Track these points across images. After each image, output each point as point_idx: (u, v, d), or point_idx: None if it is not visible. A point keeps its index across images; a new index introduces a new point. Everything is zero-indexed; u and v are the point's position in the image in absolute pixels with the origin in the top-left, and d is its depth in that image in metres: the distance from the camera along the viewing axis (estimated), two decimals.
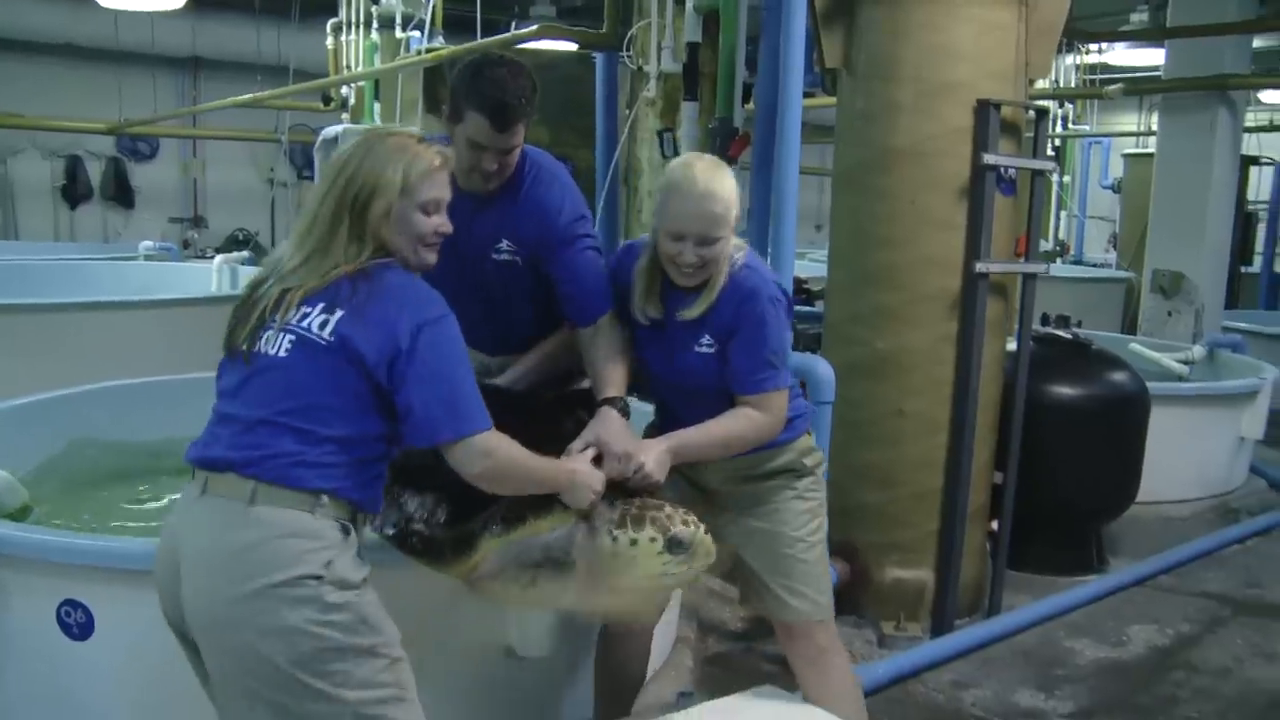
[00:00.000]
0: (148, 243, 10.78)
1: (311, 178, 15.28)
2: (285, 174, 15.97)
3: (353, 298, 2.08)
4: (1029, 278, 4.65)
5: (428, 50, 7.35)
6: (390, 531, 2.47)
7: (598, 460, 2.52)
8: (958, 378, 4.24)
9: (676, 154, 5.80)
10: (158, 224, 15.27)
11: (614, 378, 2.75)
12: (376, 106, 8.50)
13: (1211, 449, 6.52)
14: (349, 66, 8.90)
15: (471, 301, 2.84)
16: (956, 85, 4.21)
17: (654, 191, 2.65)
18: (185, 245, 14.20)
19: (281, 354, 2.07)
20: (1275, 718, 3.91)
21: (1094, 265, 13.31)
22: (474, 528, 2.41)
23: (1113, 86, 9.46)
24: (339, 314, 2.07)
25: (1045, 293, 5.18)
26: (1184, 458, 6.24)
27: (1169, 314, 8.05)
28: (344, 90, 9.32)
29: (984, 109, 4.18)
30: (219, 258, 8.83)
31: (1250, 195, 11.73)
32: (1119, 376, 5.21)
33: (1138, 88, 10.48)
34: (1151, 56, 12.22)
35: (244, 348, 2.12)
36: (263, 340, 2.11)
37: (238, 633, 1.94)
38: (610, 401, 2.67)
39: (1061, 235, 15.56)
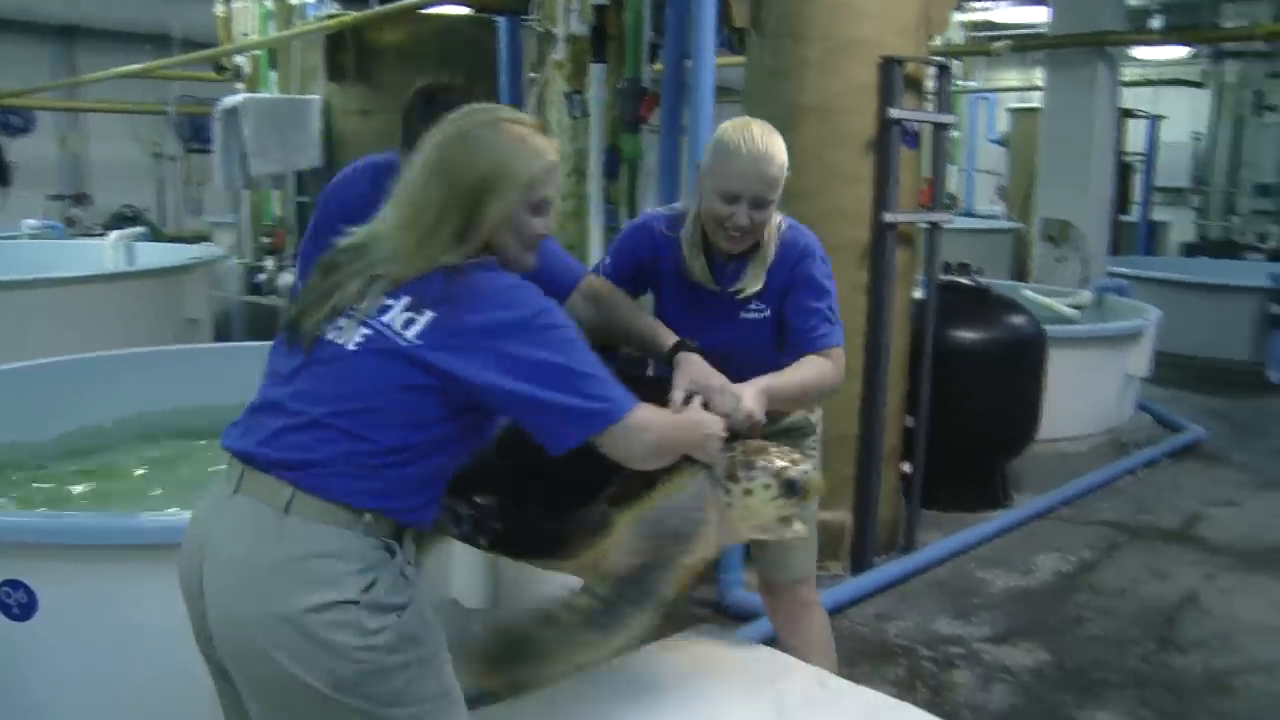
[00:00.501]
0: (31, 221, 10.42)
1: (202, 149, 14.94)
2: (172, 147, 15.54)
3: (447, 301, 1.83)
4: (934, 227, 4.85)
5: (327, 17, 7.26)
6: (484, 542, 2.34)
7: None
8: (870, 326, 4.42)
9: (586, 115, 5.88)
10: (37, 201, 14.72)
11: (660, 327, 2.61)
12: (273, 75, 8.37)
13: (1102, 387, 6.86)
14: (244, 34, 8.73)
15: None
16: (862, 42, 4.36)
17: (704, 157, 2.59)
18: (70, 223, 13.75)
19: (350, 347, 1.84)
20: (1169, 630, 4.19)
21: (983, 217, 13.73)
22: (601, 508, 2.25)
23: (1000, 43, 9.76)
24: (429, 315, 1.82)
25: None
26: (1078, 396, 6.55)
27: (1058, 261, 8.41)
28: (238, 59, 9.15)
29: (889, 65, 4.34)
30: (114, 235, 8.63)
31: (1126, 147, 12.24)
32: (1018, 320, 5.47)
33: (1025, 44, 10.82)
34: (1032, 14, 12.64)
35: (310, 334, 1.88)
36: (332, 328, 1.87)
37: (272, 657, 1.75)
38: (682, 345, 2.51)
39: (951, 189, 16.01)
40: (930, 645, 4.04)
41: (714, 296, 2.68)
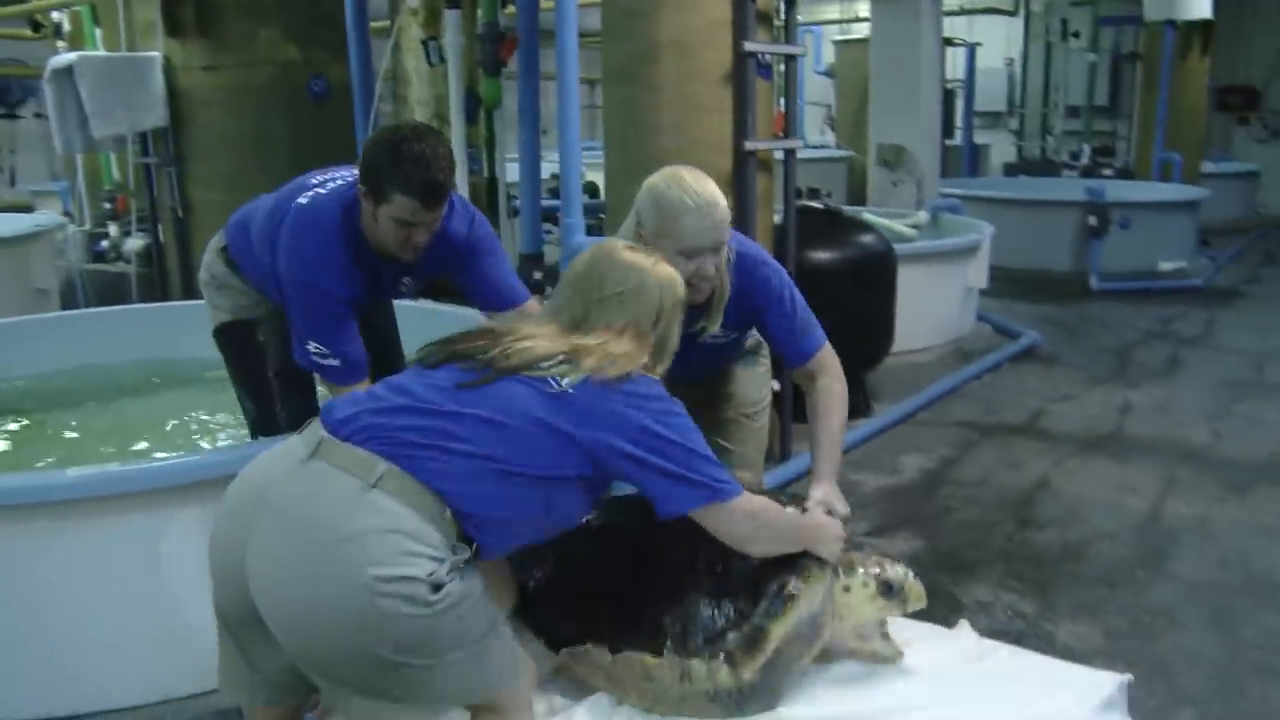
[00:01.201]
0: None
1: (10, 114, 14.20)
2: None
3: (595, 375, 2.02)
4: (789, 153, 5.10)
5: None
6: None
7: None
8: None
9: (443, 61, 5.90)
10: None
11: None
12: (98, 33, 8.05)
13: (945, 300, 7.31)
14: None
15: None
16: None
17: (643, 221, 2.58)
18: None
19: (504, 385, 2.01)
20: (1027, 509, 4.59)
21: (815, 147, 14.18)
22: (756, 622, 2.29)
23: None
24: (583, 374, 2.02)
25: None
26: (923, 310, 6.97)
27: (894, 184, 8.83)
28: (55, 15, 8.76)
29: (741, 1, 4.53)
30: None
31: (947, 74, 12.81)
32: (868, 239, 5.80)
33: None
34: None
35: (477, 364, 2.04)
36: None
37: (335, 620, 1.83)
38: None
39: None
40: None
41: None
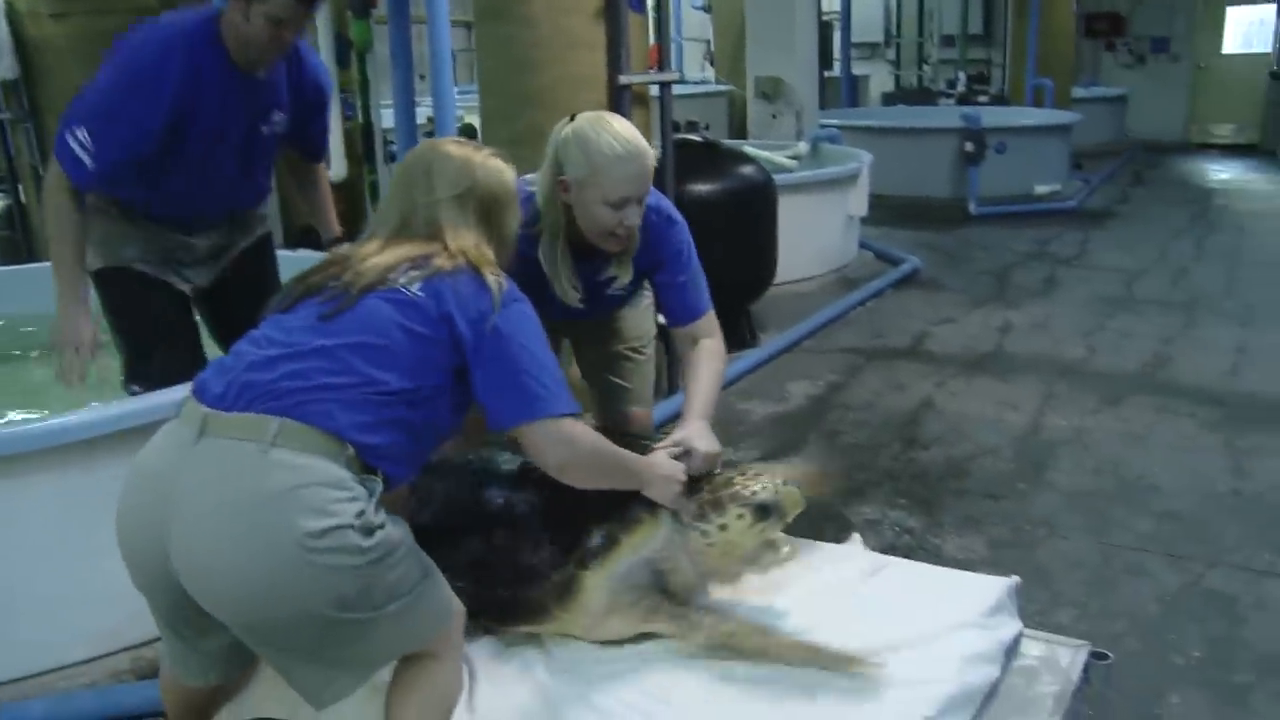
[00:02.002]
0: None
1: None
2: None
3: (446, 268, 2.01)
4: (664, 87, 5.03)
5: None
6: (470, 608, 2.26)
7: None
8: None
9: None
10: None
11: None
12: None
13: (827, 230, 7.35)
14: None
15: (217, 175, 2.99)
16: None
17: (566, 169, 2.44)
18: None
19: (363, 299, 1.96)
20: (912, 430, 4.67)
21: (695, 83, 14.12)
22: (569, 570, 2.25)
23: None
24: (429, 274, 1.99)
25: None
26: (806, 240, 7.00)
27: (773, 116, 8.80)
28: None
29: None
30: None
31: (824, 6, 12.82)
32: (747, 170, 5.78)
33: None
34: None
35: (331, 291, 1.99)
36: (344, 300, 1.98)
37: (275, 595, 1.75)
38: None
39: None
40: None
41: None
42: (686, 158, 5.54)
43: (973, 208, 9.62)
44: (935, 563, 3.45)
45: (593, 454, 2.11)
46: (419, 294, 1.97)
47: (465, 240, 2.06)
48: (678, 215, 2.71)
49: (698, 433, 2.44)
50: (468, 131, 7.54)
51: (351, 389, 1.86)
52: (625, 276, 2.67)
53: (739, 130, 11.07)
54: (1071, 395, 5.04)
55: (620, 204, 2.42)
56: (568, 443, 2.04)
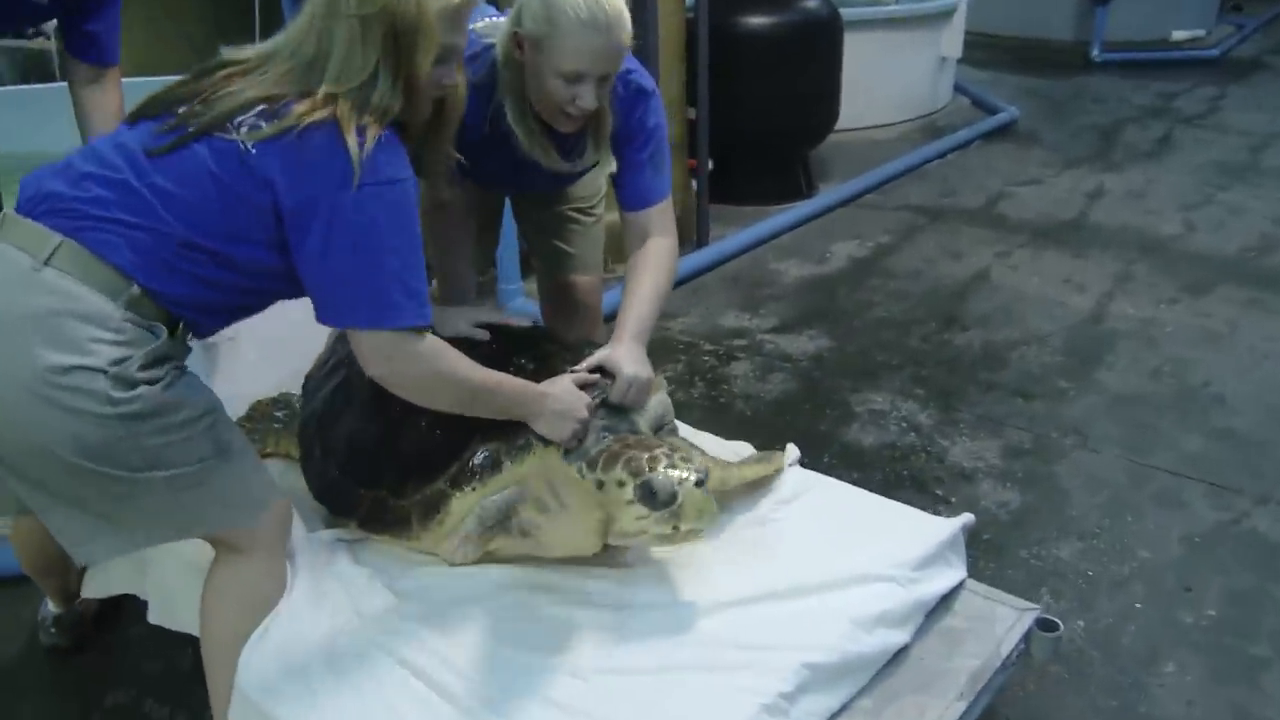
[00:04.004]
0: None
1: None
2: None
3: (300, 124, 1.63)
4: None
5: None
6: (338, 504, 2.09)
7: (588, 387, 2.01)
8: (633, 12, 4.02)
9: None
10: None
11: None
12: None
13: (914, 71, 6.65)
14: None
15: None
16: None
17: (524, 21, 1.98)
18: None
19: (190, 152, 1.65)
20: (956, 306, 4.16)
21: None
22: (441, 485, 1.95)
23: None
24: (277, 128, 1.63)
25: None
26: (887, 81, 6.36)
27: None
28: None
29: None
30: None
31: None
32: (810, 2, 5.14)
33: None
34: None
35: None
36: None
37: (13, 419, 1.59)
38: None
39: None
40: (713, 340, 3.94)
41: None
42: None
43: (1095, 53, 8.66)
44: (936, 468, 3.07)
45: (439, 379, 1.78)
46: (251, 150, 1.62)
47: (349, 79, 1.64)
48: (651, 84, 2.22)
49: (626, 355, 2.04)
50: None
51: (148, 232, 1.63)
52: (606, 166, 2.27)
53: None
54: (1150, 278, 4.43)
55: (574, 78, 1.98)
56: (409, 360, 1.72)
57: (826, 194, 5.37)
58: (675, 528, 1.73)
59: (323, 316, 1.71)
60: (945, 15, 6.56)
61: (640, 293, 2.19)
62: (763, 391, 3.55)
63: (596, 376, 2.01)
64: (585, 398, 1.95)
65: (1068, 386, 3.54)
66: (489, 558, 1.98)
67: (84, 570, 2.32)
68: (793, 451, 2.37)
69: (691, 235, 4.69)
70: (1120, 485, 2.99)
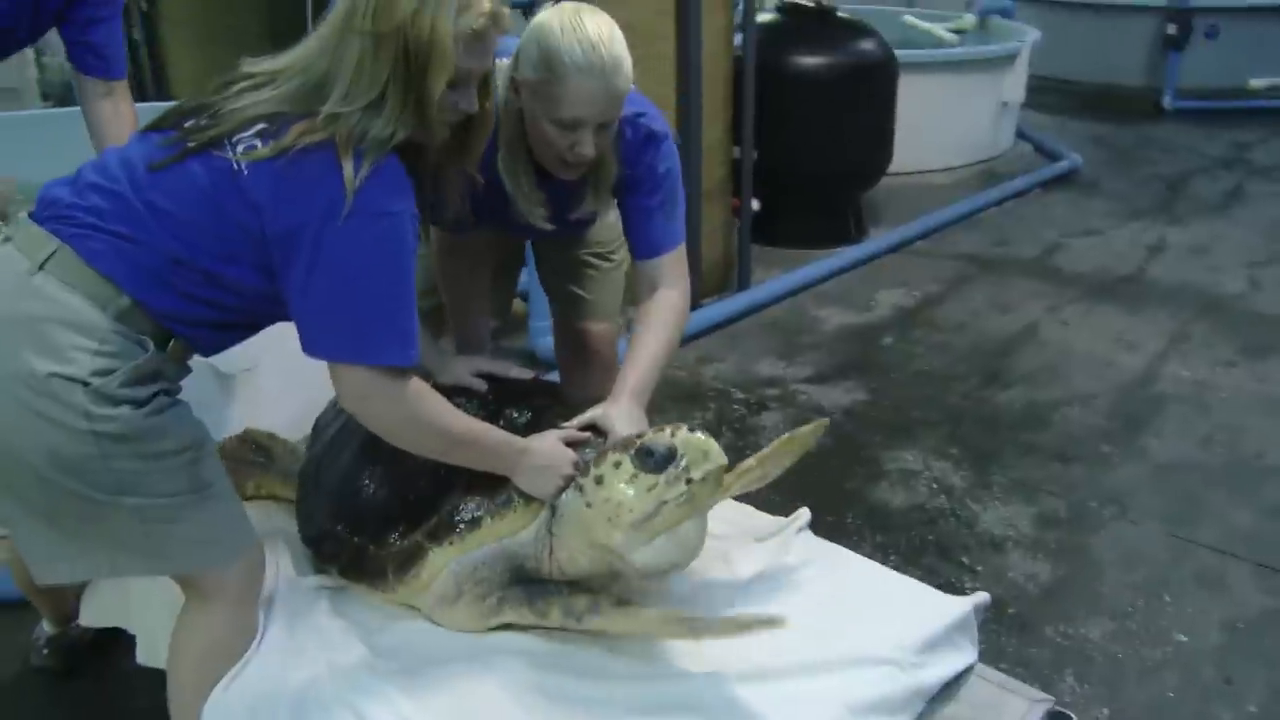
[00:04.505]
0: None
1: None
2: None
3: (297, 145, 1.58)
4: None
5: None
6: (323, 549, 2.03)
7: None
8: (679, 52, 3.98)
9: None
10: None
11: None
12: None
13: (973, 115, 6.51)
14: None
15: None
16: None
17: (521, 65, 1.91)
18: None
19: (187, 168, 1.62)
20: (1001, 362, 4.02)
21: None
22: (419, 538, 1.87)
23: None
24: (273, 149, 1.58)
25: None
26: (945, 125, 6.24)
27: None
28: None
29: None
30: None
31: None
32: (865, 44, 5.05)
33: None
34: None
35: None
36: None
37: None
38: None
39: None
40: (746, 388, 3.84)
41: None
42: (795, 25, 4.95)
43: (1168, 100, 8.43)
44: (964, 534, 2.93)
45: (416, 423, 1.70)
46: (244, 171, 1.57)
47: (356, 99, 1.58)
48: (662, 128, 2.12)
49: (621, 414, 1.94)
50: None
51: (140, 246, 1.61)
52: (605, 213, 2.19)
53: None
54: (1207, 339, 4.25)
55: (572, 125, 1.90)
56: (387, 401, 1.66)
57: (876, 239, 5.25)
58: (688, 481, 1.64)
59: (305, 347, 1.64)
60: (1007, 60, 6.42)
61: (644, 349, 2.09)
62: None
63: (587, 435, 1.92)
64: (570, 455, 1.85)
65: (1110, 451, 3.39)
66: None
67: (80, 594, 2.31)
68: (803, 515, 2.26)
69: (732, 277, 4.60)
70: (1159, 561, 2.84)
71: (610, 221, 2.49)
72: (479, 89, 1.74)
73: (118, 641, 2.38)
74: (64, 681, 2.42)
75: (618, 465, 1.70)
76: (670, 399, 3.73)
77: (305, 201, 1.56)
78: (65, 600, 2.37)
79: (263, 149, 1.57)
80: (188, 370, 1.75)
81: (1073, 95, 8.53)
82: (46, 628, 2.44)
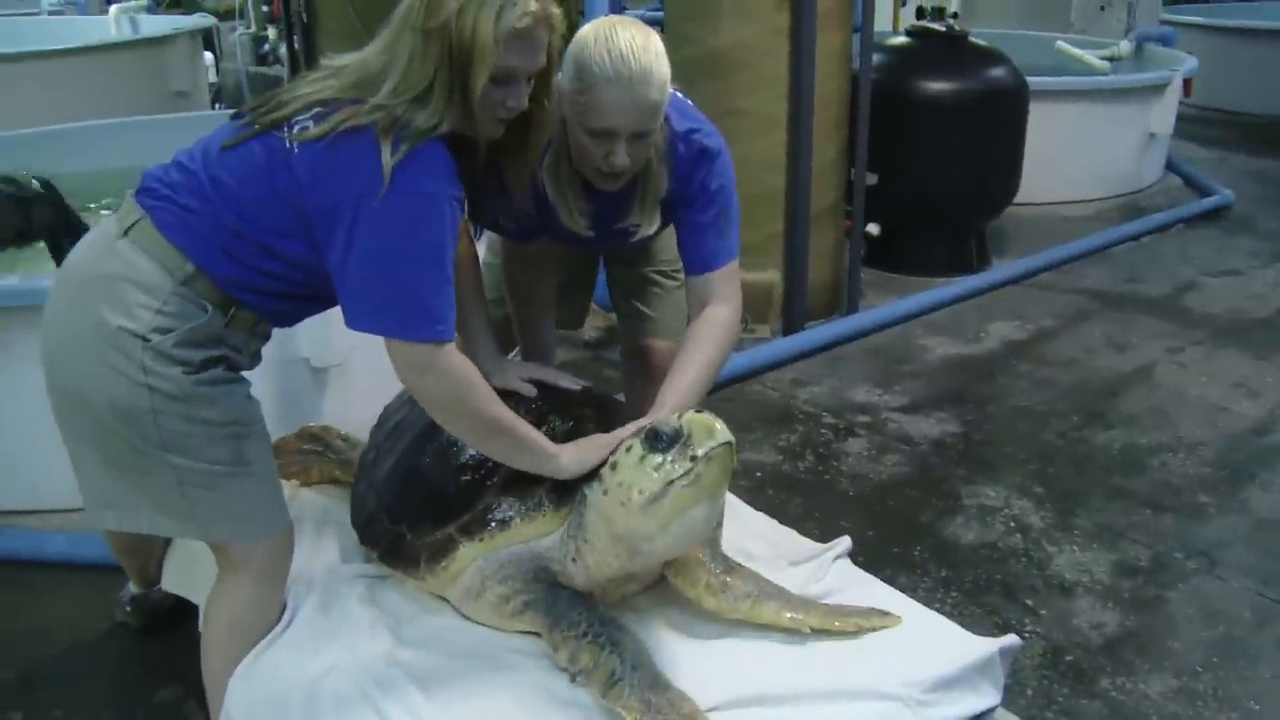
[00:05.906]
0: None
1: None
2: None
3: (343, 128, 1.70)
4: None
5: None
6: (366, 533, 2.15)
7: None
8: (793, 72, 4.00)
9: None
10: None
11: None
12: None
13: (1116, 146, 6.30)
14: None
15: None
16: None
17: (562, 74, 1.96)
18: None
19: (250, 148, 1.77)
20: (1106, 402, 3.90)
21: None
22: (452, 532, 1.97)
23: None
24: (321, 130, 1.70)
25: None
26: (1085, 155, 6.06)
27: (1101, 7, 7.63)
28: None
29: None
30: (115, 7, 8.23)
31: None
32: (995, 70, 4.95)
33: None
34: None
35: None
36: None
37: (66, 363, 1.78)
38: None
39: None
40: (836, 413, 3.83)
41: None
42: (921, 50, 4.88)
43: None
44: (1033, 576, 2.88)
45: (462, 404, 1.78)
46: (294, 150, 1.73)
47: (406, 91, 1.69)
48: (717, 144, 2.16)
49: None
50: None
51: (205, 218, 1.77)
52: (648, 225, 2.20)
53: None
54: None
55: (603, 134, 1.95)
56: (440, 376, 1.74)
57: (998, 269, 5.15)
58: (693, 458, 1.68)
59: (346, 320, 1.75)
60: (1156, 90, 6.19)
61: (689, 367, 2.13)
62: (872, 472, 3.42)
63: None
64: (602, 452, 1.88)
65: (1208, 502, 3.26)
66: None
67: (163, 558, 2.52)
68: (843, 542, 2.26)
69: (840, 301, 4.59)
70: (1241, 621, 2.72)
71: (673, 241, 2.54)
72: (538, 88, 1.82)
73: (194, 609, 2.56)
74: (143, 639, 2.64)
75: (629, 449, 1.79)
76: (758, 419, 3.75)
77: (344, 180, 1.67)
78: (149, 565, 2.58)
79: (313, 129, 1.70)
80: (257, 343, 1.90)
81: (1236, 127, 8.16)
82: (132, 588, 2.65)
